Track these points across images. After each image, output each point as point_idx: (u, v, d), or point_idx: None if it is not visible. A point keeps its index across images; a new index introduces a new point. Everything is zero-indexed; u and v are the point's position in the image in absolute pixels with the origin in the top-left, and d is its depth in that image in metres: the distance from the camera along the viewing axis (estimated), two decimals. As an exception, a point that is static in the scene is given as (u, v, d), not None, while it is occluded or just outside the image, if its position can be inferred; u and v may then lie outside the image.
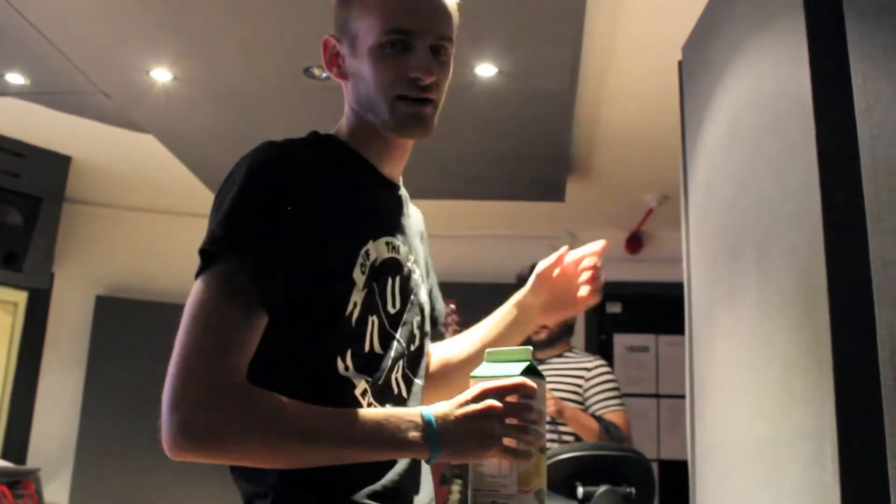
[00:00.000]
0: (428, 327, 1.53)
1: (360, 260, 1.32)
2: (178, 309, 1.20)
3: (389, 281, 1.38)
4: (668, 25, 3.08)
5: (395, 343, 1.38)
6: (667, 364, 5.73)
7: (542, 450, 1.23)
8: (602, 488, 2.73)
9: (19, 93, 4.07)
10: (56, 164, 5.08)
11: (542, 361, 3.84)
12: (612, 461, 2.86)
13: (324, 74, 3.38)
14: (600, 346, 5.79)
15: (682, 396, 2.47)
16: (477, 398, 1.22)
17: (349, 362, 1.30)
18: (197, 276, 1.21)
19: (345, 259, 1.30)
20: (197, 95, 3.85)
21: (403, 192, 1.54)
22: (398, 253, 1.41)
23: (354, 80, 1.40)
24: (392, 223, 1.44)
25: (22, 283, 5.23)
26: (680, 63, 2.61)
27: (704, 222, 2.32)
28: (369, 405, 1.31)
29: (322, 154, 1.38)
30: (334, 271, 1.28)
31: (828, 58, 1.55)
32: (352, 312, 1.30)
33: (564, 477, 2.80)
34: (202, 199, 5.36)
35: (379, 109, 1.37)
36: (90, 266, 5.63)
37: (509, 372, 1.24)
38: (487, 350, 1.32)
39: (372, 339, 1.34)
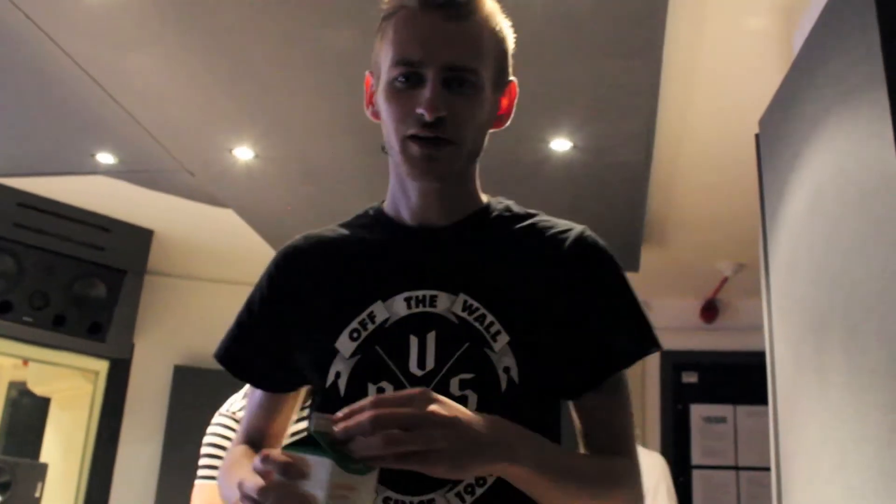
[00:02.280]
0: (505, 385, 1.20)
1: (353, 325, 1.25)
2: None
3: (413, 339, 1.23)
4: (742, 94, 3.10)
5: None
6: (746, 435, 5.59)
7: None
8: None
9: (108, 171, 4.23)
10: (139, 238, 5.26)
11: None
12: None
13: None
14: (676, 417, 5.69)
15: (763, 469, 2.41)
16: None
17: None
18: None
19: (329, 330, 1.27)
20: (277, 172, 3.96)
21: (473, 233, 1.32)
22: (430, 306, 1.25)
23: (382, 121, 1.29)
24: (424, 274, 1.27)
25: (104, 352, 5.38)
26: (757, 136, 2.62)
27: (787, 295, 2.30)
28: None
29: (345, 231, 1.39)
30: (317, 346, 1.28)
31: (913, 134, 1.55)
32: (335, 383, 1.24)
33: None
34: (279, 270, 5.47)
35: (395, 152, 1.26)
36: (169, 336, 5.75)
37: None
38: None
39: None
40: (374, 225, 1.37)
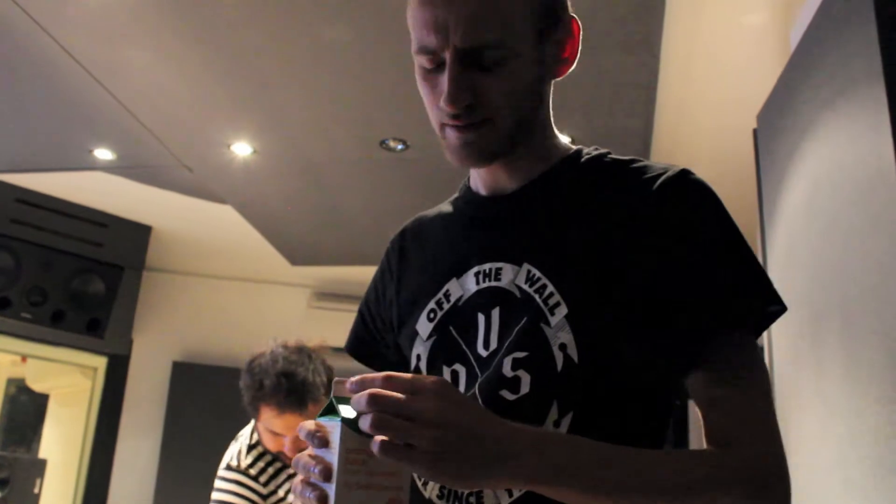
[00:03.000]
0: (562, 365, 1.05)
1: (431, 306, 1.18)
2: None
3: (481, 317, 1.13)
4: (740, 89, 3.10)
5: (473, 393, 1.10)
6: (743, 430, 5.59)
7: None
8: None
9: (106, 167, 4.23)
10: (137, 234, 5.26)
11: None
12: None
13: (399, 146, 3.45)
14: (675, 414, 5.68)
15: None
16: None
17: None
18: None
19: (413, 312, 1.21)
20: (275, 168, 3.96)
21: (545, 193, 1.17)
22: (495, 280, 1.13)
23: None
24: (491, 246, 1.16)
25: (103, 348, 5.39)
26: (755, 131, 2.62)
27: (784, 290, 2.29)
28: None
29: (443, 207, 1.31)
30: (406, 329, 1.23)
31: (910, 128, 1.55)
32: (417, 367, 1.19)
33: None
34: (277, 266, 5.47)
35: (438, 136, 1.15)
36: (168, 332, 5.75)
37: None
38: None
39: None
40: (459, 198, 1.28)
